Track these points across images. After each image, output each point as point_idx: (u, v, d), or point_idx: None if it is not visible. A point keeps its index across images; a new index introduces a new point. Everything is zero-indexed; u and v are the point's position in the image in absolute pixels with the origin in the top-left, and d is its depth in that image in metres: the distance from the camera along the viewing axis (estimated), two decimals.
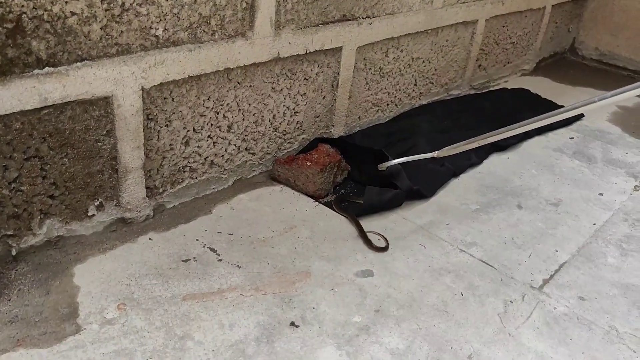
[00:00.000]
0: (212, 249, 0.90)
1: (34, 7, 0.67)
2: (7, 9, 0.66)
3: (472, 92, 1.66)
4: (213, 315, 0.77)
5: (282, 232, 0.96)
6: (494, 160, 1.31)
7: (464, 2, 1.41)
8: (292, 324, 0.77)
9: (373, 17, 1.16)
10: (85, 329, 0.73)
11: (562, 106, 1.63)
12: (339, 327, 0.78)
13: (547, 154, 1.37)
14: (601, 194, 1.22)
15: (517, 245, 1.01)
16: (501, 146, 1.35)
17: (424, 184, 1.13)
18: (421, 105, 1.47)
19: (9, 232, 0.78)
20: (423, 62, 1.39)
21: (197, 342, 0.72)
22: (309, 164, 1.06)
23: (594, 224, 1.10)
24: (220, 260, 0.87)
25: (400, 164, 1.09)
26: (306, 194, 1.06)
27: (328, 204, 1.05)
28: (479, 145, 1.03)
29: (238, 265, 0.87)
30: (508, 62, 1.78)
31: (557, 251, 1.01)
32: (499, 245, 1.00)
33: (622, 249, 1.03)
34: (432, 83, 1.48)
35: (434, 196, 1.13)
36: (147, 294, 0.79)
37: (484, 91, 1.68)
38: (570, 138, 1.48)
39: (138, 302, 0.78)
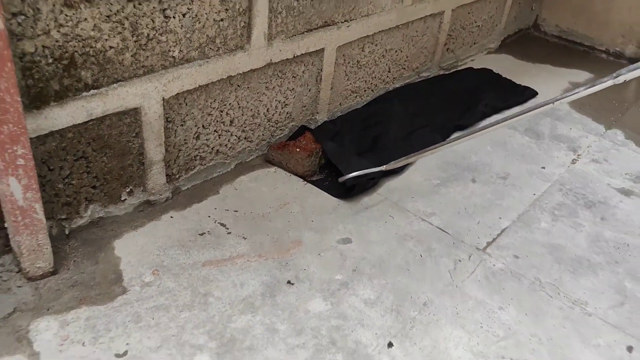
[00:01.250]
0: (222, 224, 1.11)
1: (83, 46, 0.86)
2: (64, 50, 0.84)
3: (441, 72, 1.86)
4: (227, 277, 0.99)
5: (277, 208, 1.18)
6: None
7: None
8: (289, 282, 1.00)
9: (350, 21, 1.35)
10: (129, 290, 0.95)
11: (520, 85, 1.85)
12: (324, 284, 1.01)
13: (502, 132, 1.58)
14: (544, 167, 1.45)
15: (469, 214, 1.24)
16: (463, 126, 1.56)
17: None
18: (395, 89, 1.67)
19: (63, 216, 0.99)
20: (395, 52, 1.58)
21: (217, 298, 0.95)
22: (298, 150, 1.27)
23: (534, 194, 1.33)
24: (229, 233, 1.09)
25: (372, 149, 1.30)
26: (296, 175, 1.27)
27: (315, 183, 1.26)
28: (422, 154, 1.22)
29: (244, 237, 1.09)
30: (474, 43, 1.97)
31: (500, 218, 1.24)
32: (453, 214, 1.23)
33: (554, 215, 1.27)
34: (404, 68, 1.67)
35: (404, 173, 1.36)
36: (174, 261, 1.01)
37: (450, 71, 1.87)
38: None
39: (168, 269, 1.00)
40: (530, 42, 2.25)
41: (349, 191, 1.22)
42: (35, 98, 0.84)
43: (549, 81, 1.91)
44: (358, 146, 1.38)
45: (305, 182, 1.26)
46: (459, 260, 1.10)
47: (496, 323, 0.97)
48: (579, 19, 2.20)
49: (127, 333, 0.87)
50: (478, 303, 1.01)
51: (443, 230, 1.18)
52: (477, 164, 1.42)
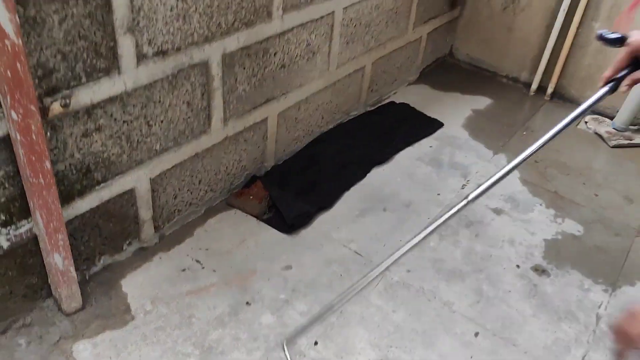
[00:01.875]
0: (197, 261, 1.53)
1: (94, 158, 1.26)
2: (83, 163, 1.24)
3: (368, 109, 2.28)
4: (204, 302, 1.42)
5: (238, 244, 1.61)
6: (374, 173, 1.96)
7: (353, 58, 2.01)
8: (247, 302, 1.44)
9: (287, 93, 1.76)
10: (136, 317, 1.37)
11: (430, 117, 2.27)
12: (272, 302, 1.44)
13: (411, 163, 2.03)
14: (439, 194, 1.90)
15: (378, 239, 1.69)
16: (380, 161, 2.00)
17: (325, 198, 1.78)
18: (328, 130, 2.09)
19: (84, 267, 1.39)
20: (326, 104, 2.00)
21: (197, 318, 1.38)
22: (251, 197, 1.69)
23: (428, 218, 1.79)
24: (203, 267, 1.52)
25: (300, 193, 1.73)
26: (251, 215, 1.70)
27: (266, 221, 1.69)
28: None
29: (214, 270, 1.51)
30: (395, 80, 2.40)
31: (400, 240, 1.69)
32: (367, 239, 1.68)
33: (441, 235, 1.73)
34: (335, 113, 2.09)
35: (333, 207, 1.79)
36: (165, 293, 1.43)
37: (375, 107, 2.30)
38: (430, 146, 2.14)
39: (161, 299, 1.42)
40: (446, 70, 2.69)
41: (291, 227, 1.66)
42: (66, 198, 1.23)
43: (454, 110, 2.36)
44: (300, 187, 1.80)
45: (259, 220, 1.69)
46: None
47: (389, 322, 1.43)
48: (485, 50, 2.65)
49: (139, 348, 1.29)
50: (378, 308, 1.46)
51: (358, 254, 1.63)
52: (388, 194, 1.87)
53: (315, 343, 1.35)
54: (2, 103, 1.00)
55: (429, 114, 2.30)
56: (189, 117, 1.44)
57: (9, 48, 0.94)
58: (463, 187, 1.94)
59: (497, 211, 1.83)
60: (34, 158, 1.06)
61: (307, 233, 1.67)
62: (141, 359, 1.27)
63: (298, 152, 1.96)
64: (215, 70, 1.44)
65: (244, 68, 1.54)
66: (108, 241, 1.42)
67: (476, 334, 1.43)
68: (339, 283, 1.52)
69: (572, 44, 2.38)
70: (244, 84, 1.56)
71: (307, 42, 1.73)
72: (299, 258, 1.58)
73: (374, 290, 1.51)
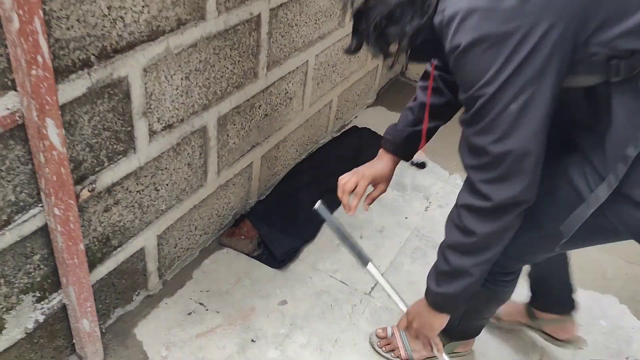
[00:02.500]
0: (201, 303, 1.67)
1: (112, 228, 1.37)
2: (103, 234, 1.35)
3: (334, 135, 2.46)
4: (213, 343, 1.57)
5: (234, 283, 1.76)
6: None
7: (322, 96, 2.17)
8: (252, 340, 1.60)
9: (269, 137, 1.90)
10: None
11: None
12: (274, 337, 1.61)
13: None
14: (406, 217, 2.12)
15: (359, 266, 1.89)
16: None
17: (308, 231, 1.95)
18: (301, 161, 2.26)
19: (101, 322, 1.51)
20: (300, 138, 2.16)
21: (210, 359, 1.53)
22: (242, 237, 1.84)
23: (400, 242, 2.01)
24: (207, 310, 1.66)
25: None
26: (243, 253, 1.85)
27: (256, 257, 1.84)
28: None
29: (217, 311, 1.66)
30: (356, 105, 2.58)
31: (379, 266, 1.90)
32: (350, 268, 1.87)
33: (413, 258, 1.95)
34: (307, 144, 2.26)
35: (316, 238, 1.96)
36: (176, 337, 1.57)
37: (340, 133, 2.48)
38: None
39: (174, 343, 1.55)
40: (398, 90, 2.89)
41: (281, 262, 1.83)
42: (89, 267, 1.34)
43: None
44: (283, 221, 1.96)
45: (250, 257, 1.84)
46: (355, 305, 1.75)
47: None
48: None
49: None
50: (366, 334, 1.67)
51: (344, 283, 1.82)
52: (363, 222, 2.07)
53: None
54: (46, 202, 1.10)
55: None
56: (189, 176, 1.57)
57: (56, 157, 1.04)
58: (426, 209, 2.16)
59: None
60: (70, 243, 1.17)
61: (295, 266, 1.84)
62: None
63: (277, 186, 2.11)
64: (212, 132, 1.57)
65: (234, 124, 1.67)
66: (120, 295, 1.53)
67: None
68: (331, 313, 1.71)
69: None
70: (234, 138, 1.70)
71: (286, 90, 1.88)
72: (291, 292, 1.75)
73: (361, 316, 1.71)
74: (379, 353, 1.60)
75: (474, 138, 0.95)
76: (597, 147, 0.95)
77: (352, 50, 1.05)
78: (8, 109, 0.97)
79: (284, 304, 1.71)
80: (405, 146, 1.36)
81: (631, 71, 0.85)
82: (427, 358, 1.57)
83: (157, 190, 1.46)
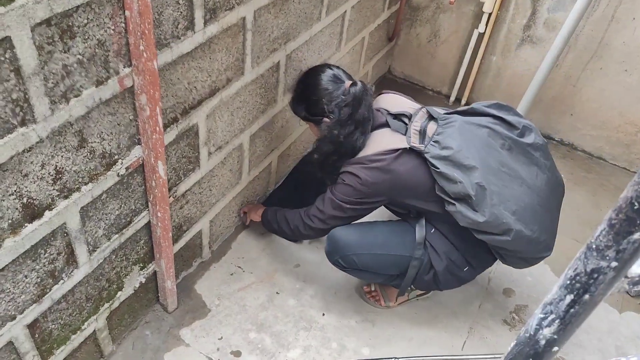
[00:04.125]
0: (239, 267, 2.33)
1: (184, 219, 2.01)
2: (179, 224, 1.99)
3: None
4: (250, 295, 2.23)
5: (261, 251, 2.40)
6: None
7: None
8: (277, 292, 2.26)
9: (284, 140, 2.52)
10: (211, 309, 2.16)
11: None
12: (292, 290, 2.28)
13: None
14: None
15: None
16: None
17: None
18: (306, 154, 2.87)
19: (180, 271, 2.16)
20: (307, 137, 2.77)
21: (249, 306, 2.19)
22: None
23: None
24: (243, 271, 2.31)
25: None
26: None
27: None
28: None
29: (251, 272, 2.31)
30: None
31: None
32: None
33: None
34: (312, 140, 2.87)
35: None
36: (224, 291, 2.23)
37: None
38: None
39: (223, 295, 2.21)
40: (386, 84, 3.48)
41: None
42: None
43: None
44: (295, 205, 2.60)
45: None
46: None
47: None
48: (415, 69, 3.46)
49: (219, 329, 2.11)
50: (357, 288, 2.33)
51: None
52: None
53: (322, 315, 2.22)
54: (152, 208, 1.73)
55: None
56: (230, 178, 2.20)
57: (161, 182, 1.67)
58: None
59: None
60: (164, 233, 1.81)
61: (305, 240, 2.50)
62: (221, 335, 2.09)
63: (287, 177, 2.74)
64: (246, 146, 2.19)
65: (260, 137, 2.28)
66: (185, 262, 2.19)
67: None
68: (332, 274, 2.37)
69: (478, 69, 3.23)
70: (260, 147, 2.32)
71: None
72: (303, 258, 2.41)
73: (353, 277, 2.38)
74: (366, 302, 2.28)
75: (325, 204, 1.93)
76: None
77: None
78: (136, 156, 1.59)
79: (297, 267, 2.38)
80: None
81: (417, 215, 1.91)
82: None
83: (210, 190, 2.09)
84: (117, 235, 1.68)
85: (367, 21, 2.84)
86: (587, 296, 0.64)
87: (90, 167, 1.44)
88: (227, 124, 2.00)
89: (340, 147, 1.81)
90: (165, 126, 1.66)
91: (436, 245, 1.85)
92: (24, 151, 1.22)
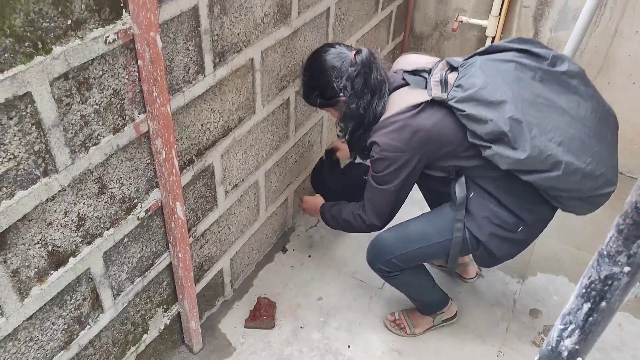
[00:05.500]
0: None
1: (204, 258, 2.03)
2: (200, 263, 2.01)
3: None
4: (274, 331, 2.23)
5: (283, 286, 2.40)
6: None
7: (333, 137, 2.81)
8: (301, 327, 2.26)
9: (299, 175, 2.55)
10: (236, 348, 2.16)
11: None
12: (316, 324, 2.27)
13: None
14: None
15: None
16: None
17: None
18: None
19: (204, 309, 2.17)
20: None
21: (274, 342, 2.18)
22: (264, 317, 2.39)
23: None
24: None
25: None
26: (268, 329, 2.50)
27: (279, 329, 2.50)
28: None
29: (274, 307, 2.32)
30: None
31: None
32: (365, 270, 2.52)
33: None
34: None
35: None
36: (249, 338, 2.23)
37: None
38: None
39: (247, 333, 2.21)
40: None
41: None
42: None
43: None
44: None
45: (291, 267, 2.50)
46: (371, 297, 2.40)
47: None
48: None
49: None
50: (381, 318, 2.32)
51: (362, 281, 2.47)
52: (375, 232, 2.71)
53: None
54: (172, 249, 1.76)
55: None
56: (248, 215, 2.23)
57: (180, 223, 1.70)
58: None
59: None
60: (186, 273, 1.83)
61: (325, 271, 2.50)
62: None
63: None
64: (261, 183, 2.22)
65: (275, 173, 2.32)
66: (208, 302, 2.20)
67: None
68: (355, 304, 2.36)
69: None
70: (275, 183, 2.35)
71: (308, 141, 2.52)
72: (325, 291, 2.41)
73: (377, 305, 2.37)
74: (390, 331, 2.26)
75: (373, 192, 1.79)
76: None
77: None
78: (154, 199, 1.63)
79: (320, 300, 2.37)
80: None
81: (456, 175, 1.74)
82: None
83: (229, 229, 2.12)
84: (140, 278, 1.70)
85: None
86: (604, 303, 0.64)
87: (111, 212, 1.48)
88: (242, 162, 2.04)
89: (363, 119, 1.71)
90: (182, 168, 1.70)
91: (476, 212, 1.71)
92: (47, 200, 1.27)
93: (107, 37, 1.24)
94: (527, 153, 1.47)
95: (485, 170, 1.64)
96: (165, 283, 1.86)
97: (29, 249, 1.27)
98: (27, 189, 1.20)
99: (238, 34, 1.72)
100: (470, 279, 2.44)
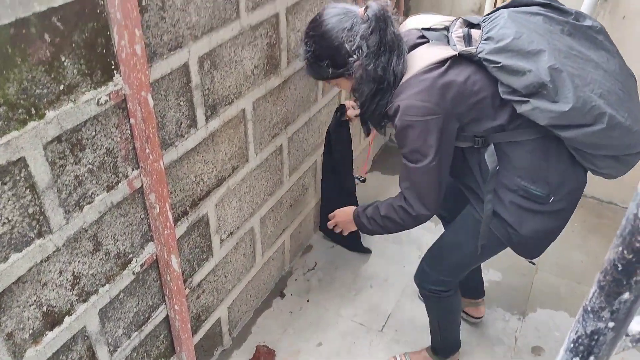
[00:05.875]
0: None
1: (201, 308, 2.02)
2: (197, 314, 2.00)
3: None
4: None
5: (282, 332, 2.38)
6: (358, 257, 2.79)
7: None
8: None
9: (294, 219, 2.56)
10: None
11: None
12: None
13: (381, 244, 2.87)
14: (404, 266, 2.75)
15: (372, 310, 2.51)
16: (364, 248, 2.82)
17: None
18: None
19: None
20: (316, 213, 2.81)
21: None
22: None
23: (402, 288, 2.63)
24: None
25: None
26: None
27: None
28: None
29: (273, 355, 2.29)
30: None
31: (387, 308, 2.52)
32: (365, 312, 2.50)
33: (412, 299, 2.57)
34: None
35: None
36: None
37: None
38: None
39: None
40: (388, 153, 3.55)
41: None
42: None
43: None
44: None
45: (290, 313, 2.48)
46: (372, 340, 2.37)
47: None
48: None
49: None
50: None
51: (362, 325, 2.45)
52: (372, 273, 2.70)
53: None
54: (168, 302, 1.75)
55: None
56: (244, 262, 2.23)
57: (175, 275, 1.70)
58: (419, 257, 2.79)
59: None
60: (183, 325, 1.82)
61: (323, 314, 2.48)
62: None
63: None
64: (257, 229, 2.23)
65: (270, 219, 2.33)
66: (207, 352, 2.18)
67: None
68: (355, 348, 2.33)
69: None
70: (271, 228, 2.36)
71: (303, 184, 2.54)
72: (324, 336, 2.39)
73: (377, 348, 2.34)
74: None
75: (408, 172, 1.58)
76: (477, 186, 1.63)
77: (366, 133, 1.77)
78: (149, 253, 1.63)
79: (320, 345, 2.35)
80: None
81: (483, 143, 1.53)
82: None
83: (225, 277, 2.12)
84: (136, 333, 1.69)
85: None
86: (592, 358, 0.65)
87: (106, 269, 1.48)
88: (237, 210, 2.05)
89: (382, 81, 1.49)
90: (176, 220, 1.71)
91: (503, 195, 1.58)
92: (42, 261, 1.27)
93: (100, 98, 1.27)
94: (570, 104, 1.35)
95: (518, 134, 1.51)
96: (162, 336, 1.84)
97: (24, 311, 1.26)
98: (21, 252, 1.21)
99: (229, 86, 1.76)
100: (479, 318, 2.43)
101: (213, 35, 1.60)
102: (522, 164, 1.54)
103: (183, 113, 1.59)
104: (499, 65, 1.40)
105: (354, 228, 1.88)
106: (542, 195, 1.55)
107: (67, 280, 1.36)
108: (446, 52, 1.47)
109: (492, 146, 1.53)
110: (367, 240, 2.84)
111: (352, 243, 2.72)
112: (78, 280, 1.40)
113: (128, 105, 1.35)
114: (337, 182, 2.55)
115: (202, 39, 1.56)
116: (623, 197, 3.06)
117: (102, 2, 1.19)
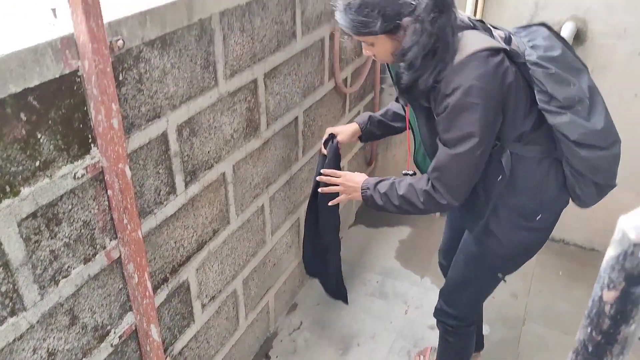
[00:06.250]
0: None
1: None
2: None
3: None
4: None
5: None
6: (343, 313, 2.75)
7: None
8: None
9: (278, 279, 2.53)
10: None
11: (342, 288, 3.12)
12: None
13: (366, 300, 2.84)
14: (391, 322, 2.71)
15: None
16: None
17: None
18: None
19: None
20: (301, 271, 2.79)
21: None
22: None
23: (389, 345, 2.59)
24: None
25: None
26: None
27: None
28: None
29: None
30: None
31: None
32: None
33: (399, 356, 2.53)
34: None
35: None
36: None
37: None
38: (377, 282, 2.97)
39: None
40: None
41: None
42: None
43: (385, 244, 3.21)
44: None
45: None
46: None
47: None
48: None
49: None
50: None
51: None
52: (357, 330, 2.66)
53: None
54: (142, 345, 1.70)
55: (368, 254, 3.14)
56: (227, 326, 2.18)
57: (155, 345, 1.65)
58: (406, 312, 2.77)
59: (432, 327, 2.67)
60: (159, 354, 1.76)
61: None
62: None
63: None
64: (240, 291, 2.20)
65: (254, 280, 2.30)
66: None
67: None
68: None
69: None
70: (254, 289, 2.33)
71: (286, 242, 2.53)
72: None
73: None
74: None
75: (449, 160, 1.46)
76: (476, 197, 1.58)
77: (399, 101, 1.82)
78: (128, 323, 1.60)
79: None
80: (367, 123, 2.01)
81: (500, 149, 1.49)
82: None
83: (208, 342, 2.07)
84: None
85: (343, 153, 2.99)
86: None
87: (83, 343, 1.44)
88: (218, 274, 2.02)
89: (436, 40, 1.34)
90: (156, 287, 1.69)
91: (499, 202, 1.58)
92: (14, 340, 1.24)
93: (76, 172, 1.27)
94: (602, 124, 1.41)
95: (527, 150, 1.50)
96: None
97: None
98: None
99: (208, 152, 1.77)
100: None
101: (191, 103, 1.63)
102: (525, 179, 1.54)
103: (162, 180, 1.59)
104: (551, 71, 1.39)
105: (356, 197, 1.73)
106: (533, 211, 1.59)
107: (41, 357, 1.32)
108: (497, 43, 1.41)
109: (508, 152, 1.50)
110: (350, 291, 2.80)
111: (335, 288, 2.63)
112: (53, 357, 1.36)
113: (105, 177, 1.35)
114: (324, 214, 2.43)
115: (180, 107, 1.59)
116: (605, 243, 3.08)
117: (78, 80, 1.21)
